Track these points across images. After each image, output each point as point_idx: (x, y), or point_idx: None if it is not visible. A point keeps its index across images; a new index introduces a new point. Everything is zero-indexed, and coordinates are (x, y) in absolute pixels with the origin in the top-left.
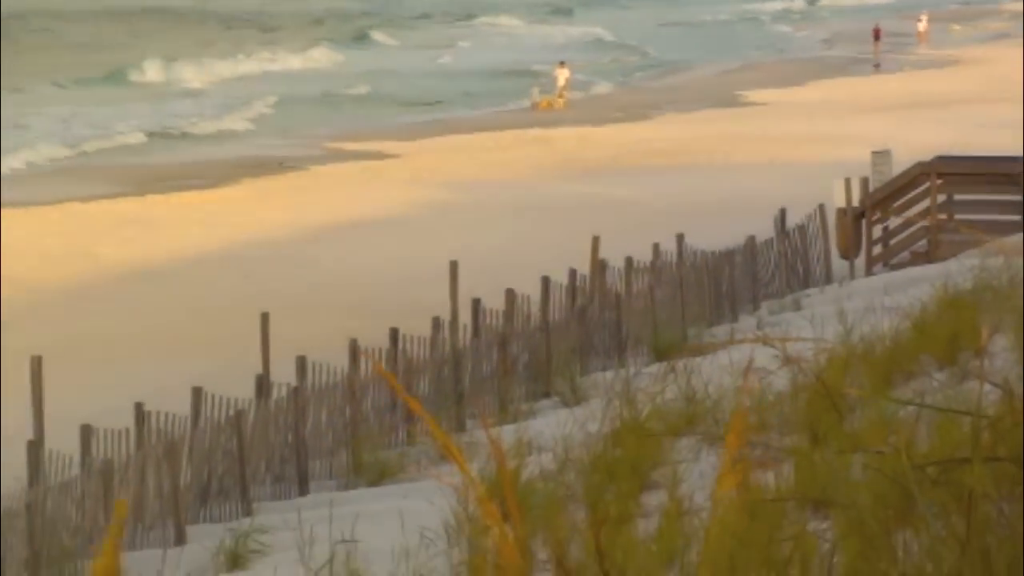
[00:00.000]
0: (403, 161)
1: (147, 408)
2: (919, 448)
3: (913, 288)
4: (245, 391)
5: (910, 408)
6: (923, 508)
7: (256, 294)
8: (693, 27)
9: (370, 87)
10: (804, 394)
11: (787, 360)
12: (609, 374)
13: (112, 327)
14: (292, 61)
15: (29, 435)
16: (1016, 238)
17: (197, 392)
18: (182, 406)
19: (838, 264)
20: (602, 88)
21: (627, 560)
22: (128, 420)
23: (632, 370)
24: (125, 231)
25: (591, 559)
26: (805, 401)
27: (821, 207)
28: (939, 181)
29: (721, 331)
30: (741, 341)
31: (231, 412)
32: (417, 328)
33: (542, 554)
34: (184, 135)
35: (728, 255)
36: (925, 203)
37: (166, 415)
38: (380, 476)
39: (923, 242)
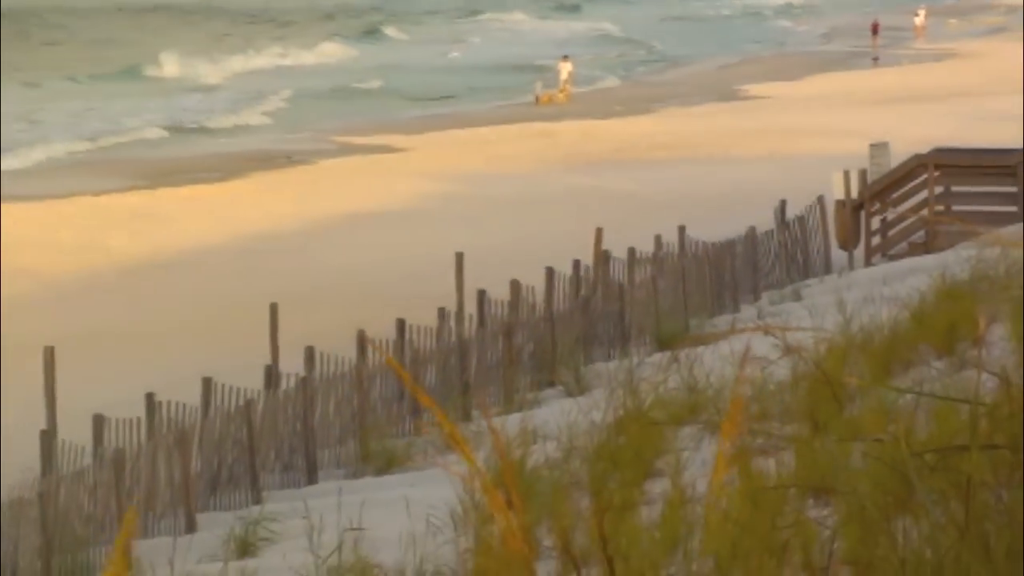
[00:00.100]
0: (410, 155)
1: (158, 398)
2: (918, 436)
3: (911, 278)
4: (254, 381)
5: (909, 396)
6: (922, 495)
7: (265, 285)
8: (697, 22)
9: (381, 82)
10: (804, 383)
11: (788, 350)
12: (612, 364)
13: (123, 318)
14: (305, 56)
15: (42, 425)
16: (1012, 229)
17: (207, 382)
18: (192, 396)
19: (837, 255)
20: (607, 82)
21: (630, 547)
22: (139, 410)
23: (635, 360)
24: (135, 224)
25: (595, 546)
26: (805, 390)
27: (820, 199)
28: (936, 173)
29: (723, 321)
30: (742, 330)
31: (241, 402)
32: (423, 319)
33: (547, 541)
34: (197, 130)
35: (729, 246)
36: (923, 195)
37: (177, 405)
38: (388, 465)
39: (921, 233)
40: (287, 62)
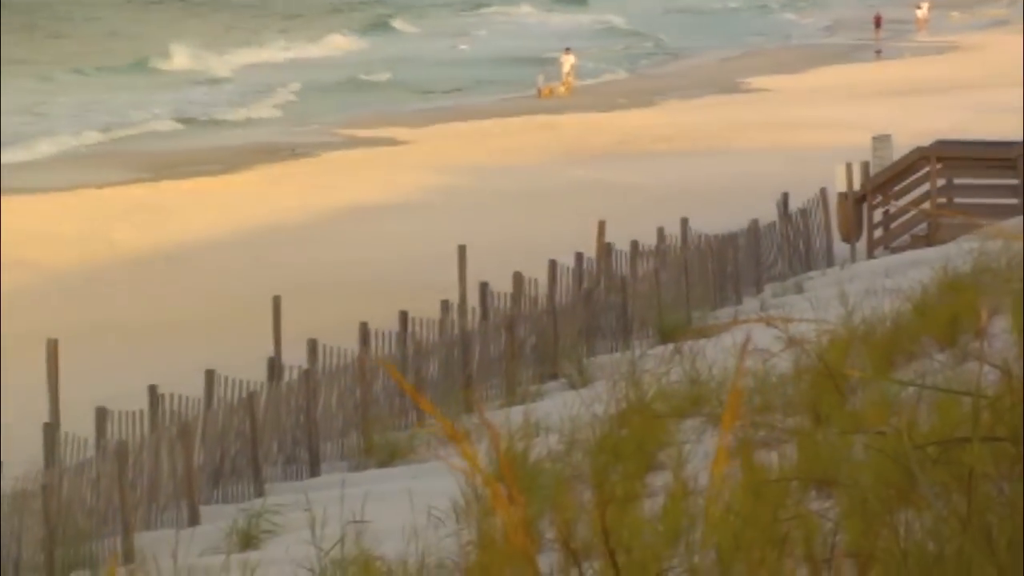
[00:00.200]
0: (413, 147)
1: (161, 390)
2: (920, 428)
3: (913, 271)
4: (257, 374)
5: (911, 389)
6: (924, 487)
7: (268, 278)
8: (703, 15)
9: (389, 75)
10: (807, 375)
11: (790, 342)
12: (615, 356)
13: (126, 311)
14: (313, 49)
15: (45, 417)
16: (1015, 221)
17: (210, 374)
18: (195, 388)
19: (840, 247)
20: (610, 75)
21: (632, 539)
22: (142, 402)
23: (638, 352)
24: (139, 217)
25: (597, 538)
26: (808, 382)
27: (823, 191)
28: (938, 165)
29: (725, 313)
30: (744, 321)
31: (244, 394)
32: (426, 311)
33: (550, 533)
34: (204, 123)
35: (732, 239)
36: (925, 187)
37: (180, 397)
38: (390, 457)
39: (923, 225)
40: (295, 55)
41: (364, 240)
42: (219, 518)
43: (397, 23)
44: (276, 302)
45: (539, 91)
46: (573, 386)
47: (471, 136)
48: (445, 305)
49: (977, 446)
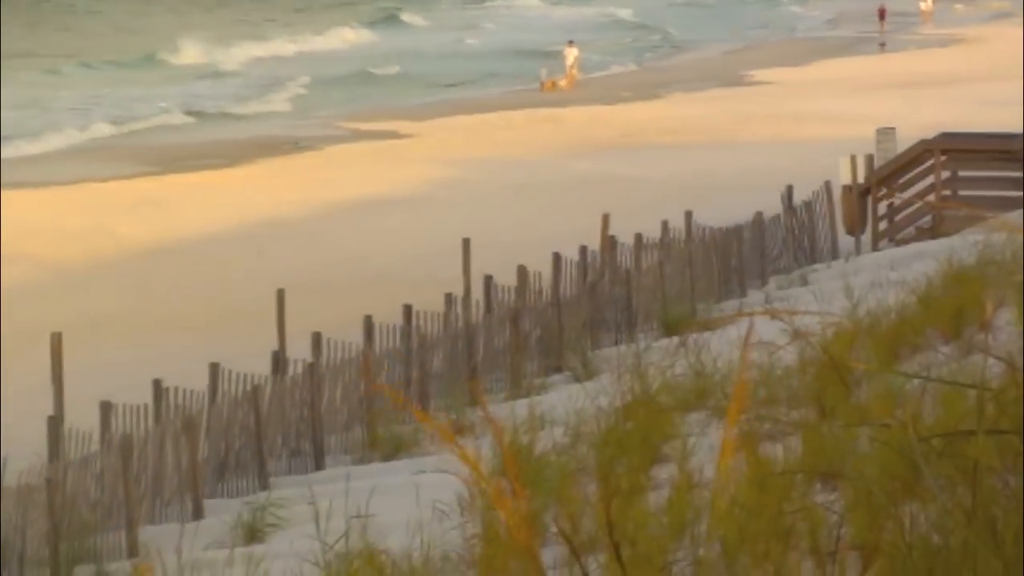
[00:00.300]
0: (417, 140)
1: (165, 384)
2: (925, 421)
3: (918, 263)
4: (261, 367)
5: (916, 381)
6: (929, 480)
7: (272, 271)
8: (710, 7)
9: (398, 68)
10: (812, 368)
11: (796, 334)
12: (619, 349)
13: (130, 304)
14: (321, 42)
15: (49, 411)
16: (1019, 213)
17: (214, 368)
18: (200, 382)
19: (844, 240)
20: (615, 68)
21: (637, 532)
22: (146, 396)
23: (642, 345)
24: (142, 210)
25: (602, 531)
26: (813, 375)
27: (827, 184)
28: (943, 158)
29: (730, 306)
30: (749, 314)
31: (248, 388)
32: (430, 304)
33: (555, 527)
34: (212, 117)
35: (736, 231)
36: (929, 180)
37: (184, 391)
38: (395, 451)
39: (927, 218)
40: (303, 48)
41: (368, 234)
42: (223, 512)
43: (405, 16)
44: (280, 296)
45: (542, 84)
46: (578, 379)
47: (475, 129)
48: (449, 298)
49: (982, 439)
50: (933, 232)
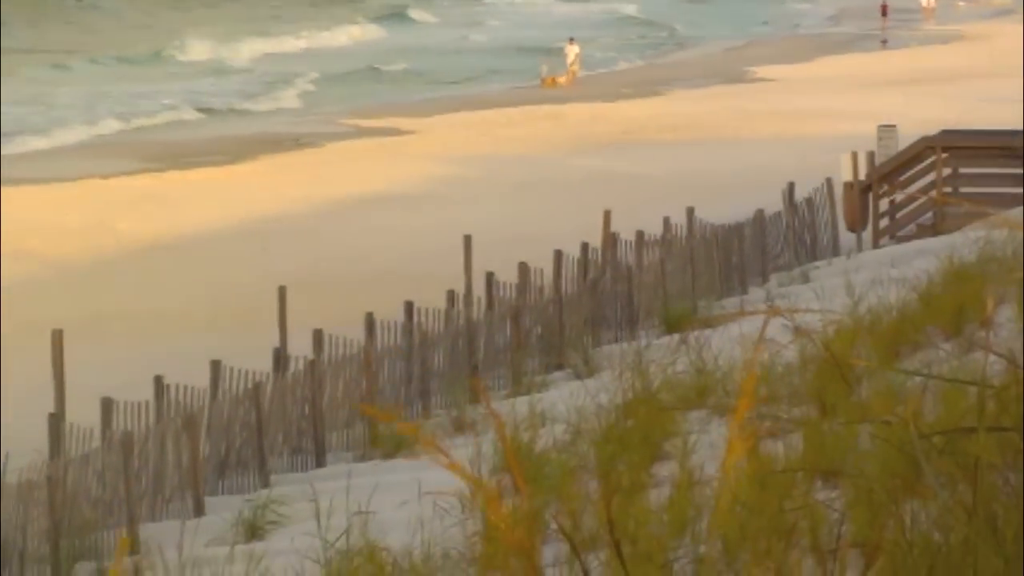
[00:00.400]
0: (419, 137)
1: (166, 381)
2: (926, 418)
3: (919, 260)
4: (263, 364)
5: (917, 379)
6: (930, 477)
7: (273, 268)
8: (716, 3)
9: (405, 65)
10: (812, 365)
11: (797, 332)
12: (621, 346)
13: (131, 301)
14: (330, 38)
15: (50, 408)
16: (1020, 211)
17: (216, 365)
18: (201, 379)
19: (845, 237)
20: (617, 64)
21: (638, 529)
22: (148, 393)
23: (643, 342)
24: (144, 207)
25: (603, 528)
26: (813, 372)
27: (828, 181)
28: (944, 155)
29: (731, 303)
30: (752, 313)
31: (249, 385)
32: (431, 301)
33: (555, 524)
34: (221, 113)
35: (737, 228)
36: (931, 177)
37: (185, 388)
38: (396, 448)
39: (929, 215)
40: (312, 44)
41: (369, 230)
42: (224, 509)
43: (413, 12)
44: (282, 292)
45: (542, 81)
46: (579, 376)
47: (476, 126)
48: (451, 295)
49: (983, 436)
50: (934, 229)
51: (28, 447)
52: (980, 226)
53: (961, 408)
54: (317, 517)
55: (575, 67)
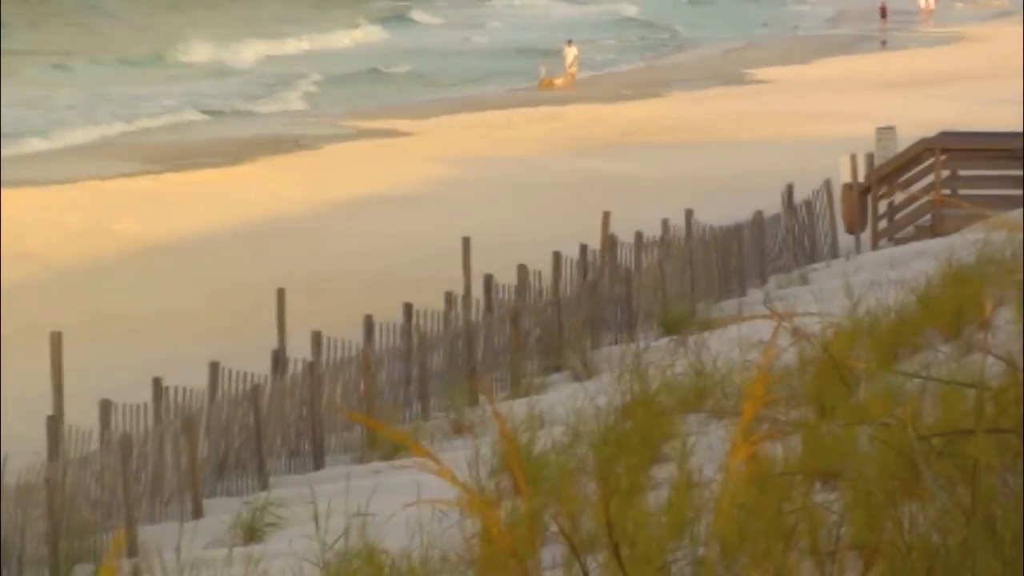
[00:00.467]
0: (418, 139)
1: (165, 383)
2: (924, 420)
3: (918, 262)
4: (261, 366)
5: (915, 381)
6: (929, 479)
7: (272, 270)
8: (716, 5)
9: (409, 66)
10: (811, 367)
11: (796, 334)
12: (619, 348)
13: (130, 303)
14: (332, 40)
15: (48, 410)
16: (1019, 212)
17: (214, 367)
18: (199, 381)
19: (844, 239)
20: (616, 66)
21: (637, 531)
22: (146, 395)
23: (642, 344)
24: (143, 209)
25: (601, 530)
26: (812, 374)
27: (827, 182)
28: (943, 157)
29: (730, 305)
30: (751, 317)
31: (248, 387)
32: (430, 303)
33: (555, 526)
34: (222, 115)
35: (736, 230)
36: (929, 178)
37: (184, 390)
38: (394, 450)
39: (927, 217)
40: (314, 46)
41: (368, 232)
42: (223, 511)
43: (416, 14)
44: (280, 294)
45: (540, 83)
46: (577, 378)
47: (476, 128)
48: (449, 297)
49: (981, 438)
50: (933, 231)
51: (27, 449)
52: (979, 228)
53: (960, 410)
54: (315, 519)
55: (573, 69)
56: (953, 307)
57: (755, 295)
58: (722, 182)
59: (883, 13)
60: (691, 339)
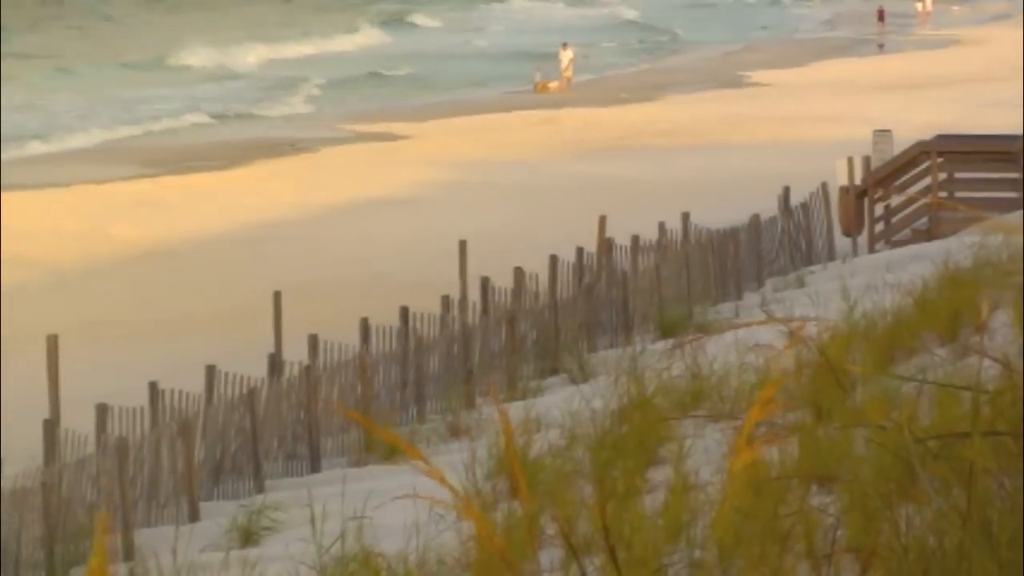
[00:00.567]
0: (414, 142)
1: (161, 386)
2: (921, 423)
3: (914, 265)
4: (258, 369)
5: (912, 384)
6: (925, 482)
7: (268, 274)
8: (715, 8)
9: (411, 70)
10: (808, 370)
11: (793, 338)
12: (616, 351)
13: (126, 307)
14: (333, 44)
15: (45, 414)
16: (1016, 215)
17: (210, 370)
18: (196, 384)
19: (841, 241)
20: (612, 70)
21: (633, 534)
22: (142, 398)
23: (639, 347)
24: (139, 212)
25: (598, 533)
26: (809, 377)
27: (824, 185)
28: (939, 160)
29: (726, 308)
30: (748, 323)
31: (244, 390)
32: (427, 306)
33: (552, 529)
34: (225, 119)
35: (733, 233)
36: (926, 181)
37: (180, 393)
38: (391, 453)
39: (924, 220)
40: (314, 50)
41: (364, 236)
42: (219, 515)
43: (417, 18)
44: (277, 298)
45: (535, 86)
46: (574, 381)
47: (472, 131)
48: (446, 300)
49: (978, 441)
50: (929, 234)
51: (23, 453)
52: (976, 231)
53: (956, 413)
54: (312, 523)
55: (568, 72)
56: (950, 310)
57: (751, 298)
58: (718, 185)
59: (880, 16)
60: (687, 342)
